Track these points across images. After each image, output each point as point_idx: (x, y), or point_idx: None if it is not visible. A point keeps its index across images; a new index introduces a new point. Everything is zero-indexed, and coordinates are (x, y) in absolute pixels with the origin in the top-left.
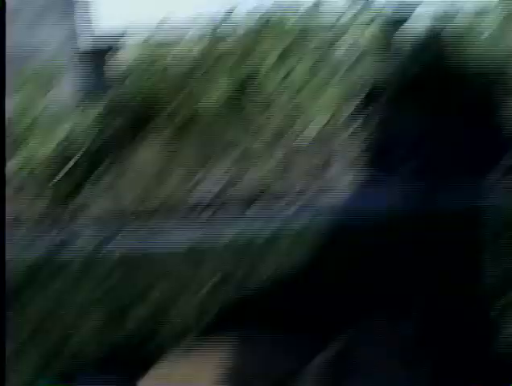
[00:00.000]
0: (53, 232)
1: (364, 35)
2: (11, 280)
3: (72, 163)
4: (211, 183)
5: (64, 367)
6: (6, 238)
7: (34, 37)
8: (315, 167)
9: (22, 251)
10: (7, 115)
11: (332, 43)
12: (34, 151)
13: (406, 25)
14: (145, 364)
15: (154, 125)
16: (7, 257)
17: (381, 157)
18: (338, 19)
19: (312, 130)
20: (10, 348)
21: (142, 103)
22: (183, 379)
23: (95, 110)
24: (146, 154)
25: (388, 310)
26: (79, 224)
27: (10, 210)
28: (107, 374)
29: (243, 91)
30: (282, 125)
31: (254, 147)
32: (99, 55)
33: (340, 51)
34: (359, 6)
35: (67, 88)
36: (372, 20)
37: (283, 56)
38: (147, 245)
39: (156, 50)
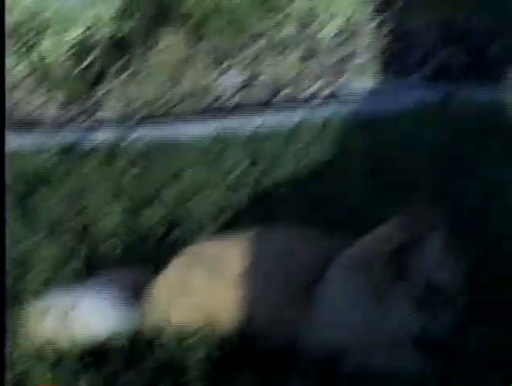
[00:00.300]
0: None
1: None
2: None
3: (87, 63)
4: (234, 76)
5: (85, 262)
6: None
7: None
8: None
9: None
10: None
11: None
12: (46, 54)
13: None
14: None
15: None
16: None
17: (398, 59)
18: None
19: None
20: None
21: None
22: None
23: (110, 9)
24: (167, 48)
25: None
26: (97, 120)
27: (22, 113)
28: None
29: None
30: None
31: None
32: None
33: None
34: None
35: None
36: None
37: None
38: (168, 137)
39: None
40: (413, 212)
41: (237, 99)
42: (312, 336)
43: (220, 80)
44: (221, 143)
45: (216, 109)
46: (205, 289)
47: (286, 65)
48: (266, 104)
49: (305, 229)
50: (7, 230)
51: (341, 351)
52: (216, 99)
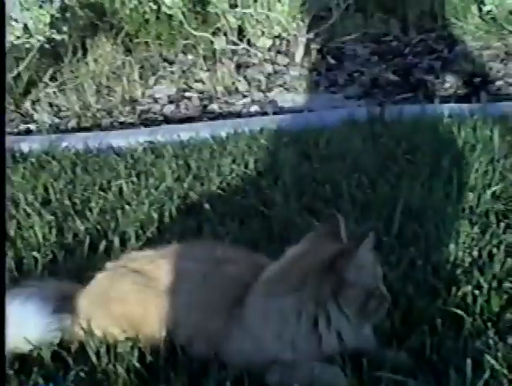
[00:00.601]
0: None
1: None
2: None
3: (16, 72)
4: (165, 88)
5: (10, 272)
6: None
7: None
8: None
9: None
10: None
11: None
12: None
13: None
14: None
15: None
16: None
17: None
18: None
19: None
20: None
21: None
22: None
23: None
24: (97, 59)
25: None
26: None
27: None
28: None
29: None
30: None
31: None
32: None
33: None
34: None
35: None
36: None
37: None
38: (97, 148)
39: None
40: (332, 225)
41: (167, 111)
42: (234, 350)
43: (150, 92)
44: (151, 155)
45: (146, 121)
46: (131, 300)
47: (217, 78)
48: (196, 118)
49: (232, 244)
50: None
51: (265, 364)
52: (147, 111)
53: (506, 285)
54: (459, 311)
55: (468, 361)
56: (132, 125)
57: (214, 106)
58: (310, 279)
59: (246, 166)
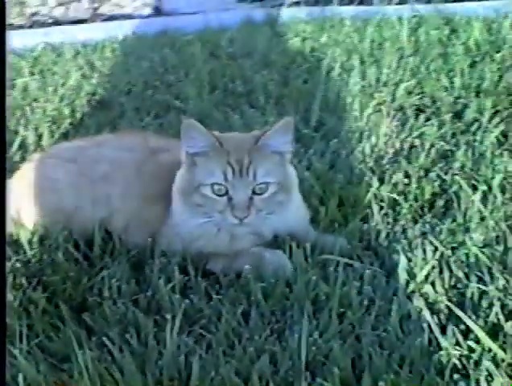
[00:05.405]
0: None
1: None
2: None
3: None
4: None
5: None
6: None
7: None
8: None
9: None
10: None
11: None
12: None
13: None
14: None
15: None
16: None
17: None
18: None
19: None
20: None
21: None
22: None
23: None
24: None
25: None
26: None
27: None
28: None
29: None
30: None
31: None
32: None
33: None
34: None
35: None
36: None
37: None
38: None
39: None
40: None
41: (56, 13)
42: (165, 238)
43: None
44: (51, 54)
45: (36, 23)
46: (63, 190)
47: None
48: (87, 19)
49: (160, 135)
50: None
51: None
52: (36, 13)
53: (432, 174)
54: (395, 196)
55: (415, 242)
56: (22, 28)
57: (105, 8)
58: None
59: (152, 63)
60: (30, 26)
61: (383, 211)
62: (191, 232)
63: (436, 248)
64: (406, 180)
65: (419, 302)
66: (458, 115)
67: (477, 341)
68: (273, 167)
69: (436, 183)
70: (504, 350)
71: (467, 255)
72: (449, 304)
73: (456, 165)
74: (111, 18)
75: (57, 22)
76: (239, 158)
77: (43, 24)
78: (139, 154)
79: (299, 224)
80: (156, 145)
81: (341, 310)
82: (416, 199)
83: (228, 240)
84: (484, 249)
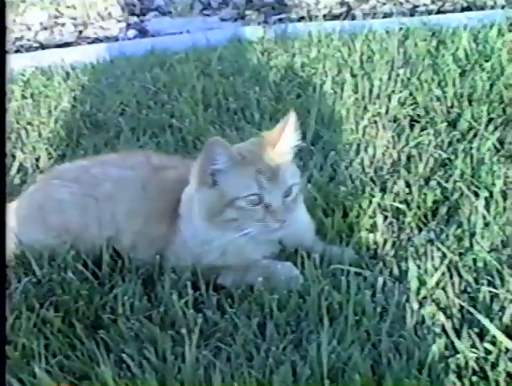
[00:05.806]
0: None
1: None
2: None
3: None
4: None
5: None
6: None
7: None
8: None
9: None
10: None
11: None
12: None
13: None
14: None
15: None
16: None
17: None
18: None
19: None
20: None
21: None
22: None
23: None
24: None
25: None
26: None
27: None
28: None
29: None
30: None
31: None
32: None
33: None
34: None
35: None
36: None
37: None
38: None
39: None
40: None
41: (41, 38)
42: (173, 254)
43: (21, 20)
44: (42, 77)
45: (21, 48)
46: (69, 210)
47: (90, 4)
48: (72, 43)
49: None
50: None
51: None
52: (20, 38)
53: (433, 182)
54: (399, 205)
55: (422, 250)
56: (6, 53)
57: (89, 31)
58: None
59: (143, 83)
60: (17, 51)
61: (388, 221)
62: (221, 247)
63: (444, 254)
64: (407, 189)
65: (431, 308)
66: (453, 124)
67: (493, 343)
68: (294, 168)
69: (438, 191)
70: None
71: (474, 260)
72: (466, 305)
73: (457, 172)
74: (96, 40)
75: (42, 46)
76: (267, 166)
77: (29, 49)
78: (143, 172)
79: (306, 235)
80: (159, 162)
81: (356, 317)
82: (419, 208)
83: (251, 251)
84: (491, 254)
